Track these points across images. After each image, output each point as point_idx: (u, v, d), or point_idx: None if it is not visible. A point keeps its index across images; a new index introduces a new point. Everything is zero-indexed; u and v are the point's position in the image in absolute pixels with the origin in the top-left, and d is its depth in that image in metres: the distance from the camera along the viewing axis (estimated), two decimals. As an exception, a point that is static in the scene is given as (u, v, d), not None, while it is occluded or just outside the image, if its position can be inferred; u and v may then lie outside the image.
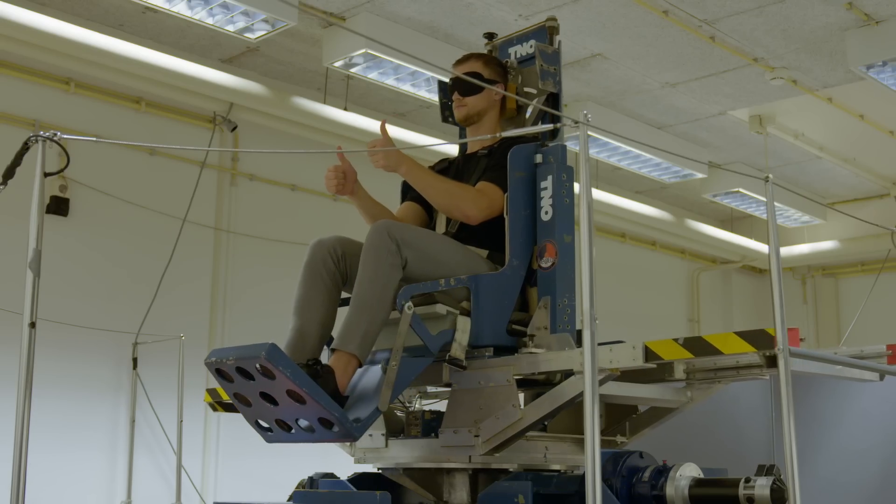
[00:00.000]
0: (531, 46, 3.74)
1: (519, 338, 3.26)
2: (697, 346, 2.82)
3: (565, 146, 3.40)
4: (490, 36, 3.94)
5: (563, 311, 3.23)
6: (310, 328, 3.20)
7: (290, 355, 3.01)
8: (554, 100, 3.60)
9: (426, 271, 3.16)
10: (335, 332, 3.15)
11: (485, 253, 3.39)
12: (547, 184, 3.33)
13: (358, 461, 3.55)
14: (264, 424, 3.12)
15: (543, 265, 3.29)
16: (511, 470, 3.23)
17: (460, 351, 3.13)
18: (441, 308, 3.17)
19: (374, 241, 3.09)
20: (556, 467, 3.33)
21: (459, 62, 3.70)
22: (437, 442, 3.25)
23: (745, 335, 2.75)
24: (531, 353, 3.17)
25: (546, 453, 3.31)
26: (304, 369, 2.87)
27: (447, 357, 3.13)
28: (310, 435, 3.01)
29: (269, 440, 3.16)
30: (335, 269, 3.27)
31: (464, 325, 3.16)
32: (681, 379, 3.21)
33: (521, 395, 3.25)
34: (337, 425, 2.90)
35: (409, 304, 3.02)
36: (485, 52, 3.87)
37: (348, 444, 3.53)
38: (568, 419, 3.39)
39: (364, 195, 3.56)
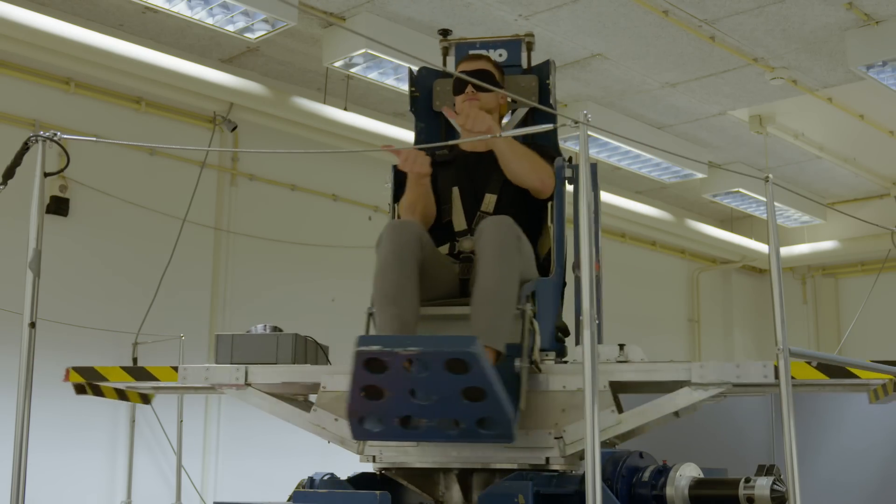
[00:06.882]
0: (501, 55, 3.86)
1: (562, 344, 3.31)
2: (833, 370, 2.82)
3: (595, 164, 3.42)
4: (445, 32, 3.99)
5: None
6: (409, 317, 3.09)
7: None
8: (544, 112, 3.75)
9: (523, 271, 3.18)
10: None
11: None
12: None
13: (365, 460, 3.52)
14: (361, 415, 2.95)
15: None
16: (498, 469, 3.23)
17: (538, 353, 3.15)
18: (529, 310, 3.17)
19: (508, 236, 3.10)
20: (557, 467, 3.33)
21: (469, 60, 3.73)
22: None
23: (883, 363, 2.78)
24: (624, 361, 3.16)
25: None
26: None
27: (531, 359, 3.12)
28: (435, 433, 2.93)
29: (359, 436, 3.03)
30: (421, 257, 3.18)
31: (537, 328, 3.16)
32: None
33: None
34: (500, 426, 2.87)
35: (530, 304, 3.08)
36: (441, 48, 3.96)
37: (357, 442, 3.51)
38: None
39: (427, 180, 3.50)
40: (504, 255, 3.07)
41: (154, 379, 3.72)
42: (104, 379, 3.85)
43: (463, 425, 2.87)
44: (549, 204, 3.46)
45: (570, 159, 3.51)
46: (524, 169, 3.43)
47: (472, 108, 3.45)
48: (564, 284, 3.41)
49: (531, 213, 3.51)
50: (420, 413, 2.89)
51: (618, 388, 3.21)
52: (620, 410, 3.11)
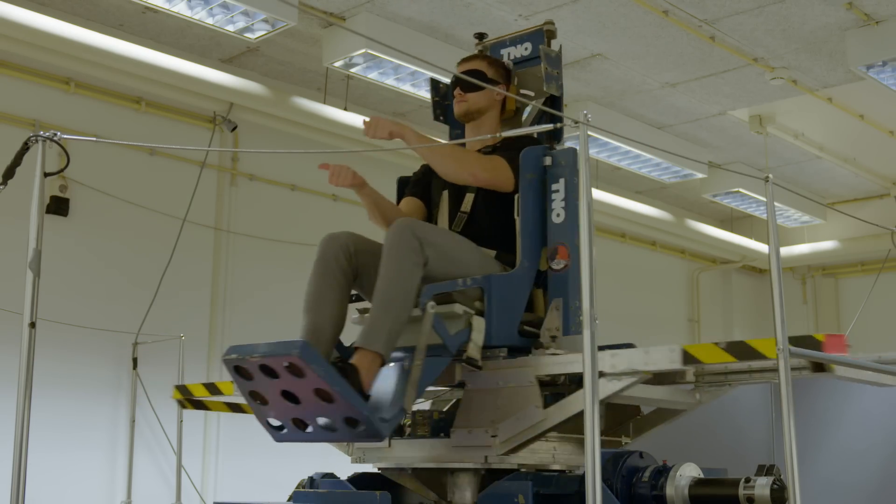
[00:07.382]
0: (526, 49, 3.79)
1: (533, 339, 3.26)
2: (740, 350, 2.74)
3: (575, 149, 3.36)
4: (480, 36, 3.96)
5: (575, 312, 3.23)
6: (323, 325, 3.16)
7: None
8: (554, 102, 3.63)
9: (445, 271, 3.16)
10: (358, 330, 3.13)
11: (492, 253, 3.40)
12: (559, 186, 3.34)
13: (356, 461, 3.54)
14: (276, 423, 3.05)
15: (555, 267, 3.29)
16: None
17: (476, 351, 3.13)
18: (458, 308, 3.13)
19: (398, 239, 3.08)
20: (557, 467, 3.33)
21: (464, 61, 3.73)
22: (448, 442, 3.23)
23: (792, 340, 2.69)
24: (555, 353, 3.13)
25: (554, 454, 3.30)
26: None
27: (464, 357, 3.12)
28: (328, 434, 2.97)
29: (278, 439, 3.09)
30: (347, 266, 3.24)
31: (479, 325, 3.14)
32: (690, 382, 3.21)
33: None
34: (364, 425, 2.87)
35: (432, 303, 3.02)
36: (476, 51, 3.91)
37: (345, 443, 3.53)
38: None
39: (373, 189, 3.52)
40: (393, 258, 3.07)
41: (220, 393, 3.83)
42: (190, 394, 4.05)
43: (336, 425, 2.92)
44: (516, 197, 3.42)
45: (550, 147, 3.47)
46: (449, 168, 3.40)
47: (373, 116, 3.39)
48: (543, 278, 3.36)
49: (508, 208, 3.46)
50: (301, 415, 2.96)
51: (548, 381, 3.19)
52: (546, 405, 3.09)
